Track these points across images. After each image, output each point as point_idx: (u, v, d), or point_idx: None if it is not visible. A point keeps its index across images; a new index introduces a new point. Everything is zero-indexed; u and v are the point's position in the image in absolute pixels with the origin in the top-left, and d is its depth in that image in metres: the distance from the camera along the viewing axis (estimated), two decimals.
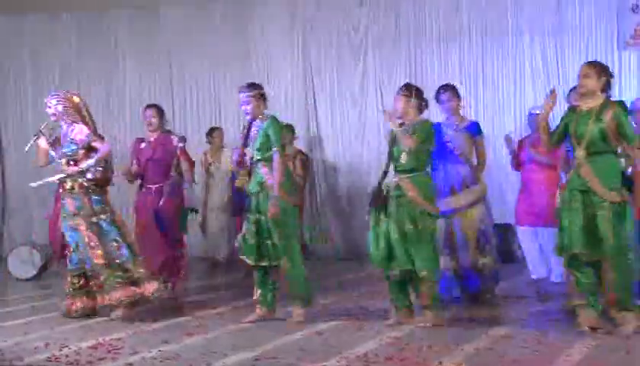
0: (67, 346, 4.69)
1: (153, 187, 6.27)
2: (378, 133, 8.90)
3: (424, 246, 5.00)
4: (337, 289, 6.73)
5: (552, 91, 4.88)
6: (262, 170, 5.26)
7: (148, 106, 6.55)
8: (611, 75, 4.79)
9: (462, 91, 6.23)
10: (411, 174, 5.06)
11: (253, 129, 5.29)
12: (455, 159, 5.87)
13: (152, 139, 6.35)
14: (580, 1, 8.25)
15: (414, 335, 4.80)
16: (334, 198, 9.19)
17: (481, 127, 6.04)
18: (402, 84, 5.55)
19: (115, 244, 5.62)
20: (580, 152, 4.68)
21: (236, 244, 5.47)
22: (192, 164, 6.59)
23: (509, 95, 8.52)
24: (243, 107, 5.32)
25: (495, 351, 4.42)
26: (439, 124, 6.02)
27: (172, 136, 6.38)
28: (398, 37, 8.91)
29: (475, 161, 5.94)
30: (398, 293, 5.12)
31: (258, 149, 5.25)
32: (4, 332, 5.15)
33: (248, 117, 5.34)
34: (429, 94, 8.57)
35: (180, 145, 6.28)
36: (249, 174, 5.31)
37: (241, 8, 9.49)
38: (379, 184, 5.13)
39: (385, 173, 5.15)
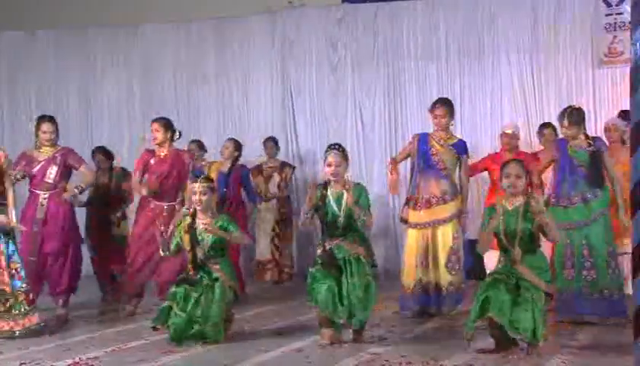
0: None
1: (165, 205, 6.23)
2: (357, 151, 8.95)
3: (367, 298, 4.96)
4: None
5: None
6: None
7: (154, 119, 6.48)
8: None
9: None
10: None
11: None
12: (437, 173, 5.92)
13: (162, 154, 6.30)
14: (556, 21, 8.37)
15: (393, 352, 4.80)
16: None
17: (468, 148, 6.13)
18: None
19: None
20: None
21: None
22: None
23: (486, 113, 8.59)
24: (196, 198, 5.23)
25: None
26: (426, 135, 6.08)
27: (184, 153, 6.35)
28: (376, 56, 8.98)
29: (456, 178, 6.01)
30: None
31: None
32: None
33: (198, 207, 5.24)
34: (407, 112, 8.85)
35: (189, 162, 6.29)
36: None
37: (221, 26, 9.52)
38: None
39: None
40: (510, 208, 4.70)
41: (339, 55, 9.13)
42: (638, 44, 2.69)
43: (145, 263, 6.25)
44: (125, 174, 7.46)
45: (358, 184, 5.17)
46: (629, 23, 2.79)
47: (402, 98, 8.89)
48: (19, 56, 9.86)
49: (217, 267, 5.23)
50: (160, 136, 6.28)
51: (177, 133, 6.38)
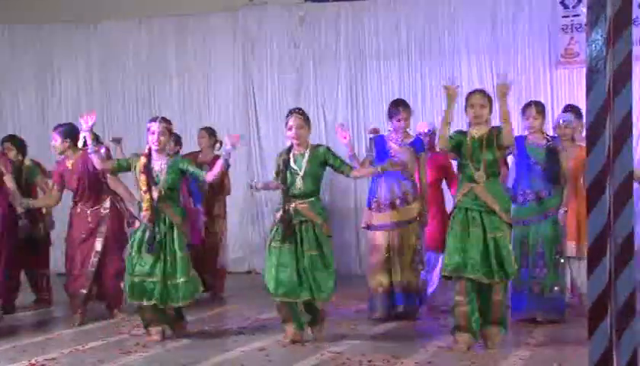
0: None
1: (89, 210, 5.94)
2: None
3: (328, 271, 4.98)
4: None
5: None
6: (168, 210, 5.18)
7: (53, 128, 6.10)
8: None
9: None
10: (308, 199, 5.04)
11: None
12: (397, 174, 5.90)
13: (69, 164, 5.95)
14: (515, 22, 8.48)
15: (354, 350, 4.82)
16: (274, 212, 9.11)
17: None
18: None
19: None
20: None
21: None
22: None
23: None
24: (154, 137, 5.22)
25: (434, 364, 4.48)
26: (382, 137, 6.08)
27: (89, 155, 5.57)
28: (338, 55, 8.99)
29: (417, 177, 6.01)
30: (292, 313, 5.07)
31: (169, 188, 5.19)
32: None
33: (155, 147, 5.22)
34: (369, 111, 8.89)
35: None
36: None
37: (182, 23, 9.44)
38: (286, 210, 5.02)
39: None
40: (476, 136, 4.94)
41: (301, 53, 9.13)
42: (593, 46, 2.73)
43: (81, 269, 5.91)
44: (37, 169, 6.72)
45: (319, 145, 5.18)
46: (585, 24, 2.85)
47: (364, 97, 8.92)
48: None
49: (171, 211, 5.16)
50: (57, 145, 5.96)
51: (82, 139, 5.69)
